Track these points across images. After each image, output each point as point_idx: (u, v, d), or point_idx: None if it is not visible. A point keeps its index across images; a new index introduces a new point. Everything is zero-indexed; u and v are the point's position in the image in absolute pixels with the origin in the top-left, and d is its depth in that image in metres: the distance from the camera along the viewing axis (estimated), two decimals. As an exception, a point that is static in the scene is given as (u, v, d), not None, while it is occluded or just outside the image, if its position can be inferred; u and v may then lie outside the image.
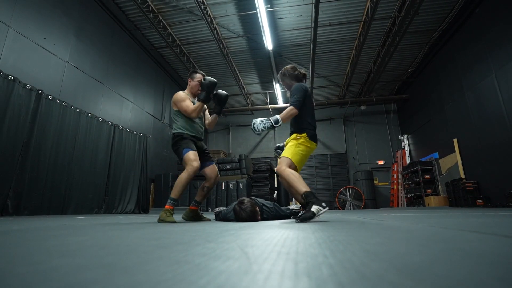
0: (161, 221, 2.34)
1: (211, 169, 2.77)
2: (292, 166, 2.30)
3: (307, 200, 2.05)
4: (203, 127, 2.87)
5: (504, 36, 6.12)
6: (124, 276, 0.42)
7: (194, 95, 2.80)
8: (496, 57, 6.41)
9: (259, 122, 2.29)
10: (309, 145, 2.38)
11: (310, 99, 2.50)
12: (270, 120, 2.30)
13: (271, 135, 13.56)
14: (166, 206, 2.44)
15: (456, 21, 7.68)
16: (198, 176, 2.93)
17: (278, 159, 2.55)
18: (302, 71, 2.67)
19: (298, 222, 1.97)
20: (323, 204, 2.00)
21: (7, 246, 0.82)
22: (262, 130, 2.29)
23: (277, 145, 2.84)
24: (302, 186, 2.11)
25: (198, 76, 2.77)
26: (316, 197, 2.07)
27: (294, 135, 2.42)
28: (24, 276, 0.42)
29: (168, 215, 2.37)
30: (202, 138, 2.83)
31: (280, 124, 2.30)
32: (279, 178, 2.47)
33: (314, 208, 1.96)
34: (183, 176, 2.48)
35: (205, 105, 2.81)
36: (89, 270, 0.46)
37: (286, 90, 2.80)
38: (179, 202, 2.64)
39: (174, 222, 2.31)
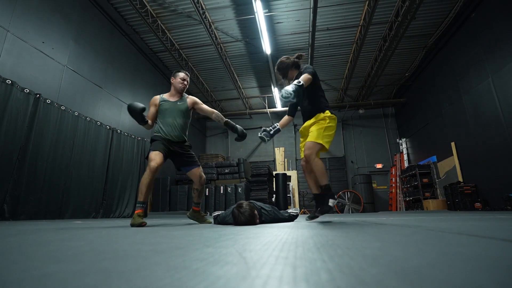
0: (132, 225, 2.37)
1: (194, 173, 2.90)
2: (320, 149, 2.36)
3: (325, 192, 2.31)
4: (182, 132, 2.88)
5: (500, 40, 6.19)
6: (121, 281, 0.42)
7: (177, 91, 2.91)
8: (492, 61, 6.47)
9: (289, 88, 2.03)
10: (333, 124, 2.41)
11: (319, 80, 2.55)
12: (296, 85, 2.06)
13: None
14: (136, 211, 2.47)
15: (452, 26, 7.76)
16: (191, 180, 3.10)
17: (264, 142, 2.65)
18: (294, 56, 2.64)
19: (315, 216, 2.39)
20: (335, 196, 2.33)
21: (3, 251, 0.81)
22: (293, 92, 2.03)
23: (264, 128, 2.75)
24: (325, 179, 2.32)
25: (180, 74, 2.91)
26: (332, 191, 2.34)
27: (318, 115, 2.41)
28: (20, 282, 0.42)
29: (139, 219, 2.41)
30: (182, 141, 2.87)
31: (302, 85, 2.10)
32: (302, 162, 2.49)
33: (331, 202, 2.26)
34: (145, 177, 2.57)
35: (197, 100, 3.01)
36: (85, 276, 0.45)
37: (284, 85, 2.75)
38: (146, 204, 2.69)
39: (143, 222, 2.36)
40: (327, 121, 2.38)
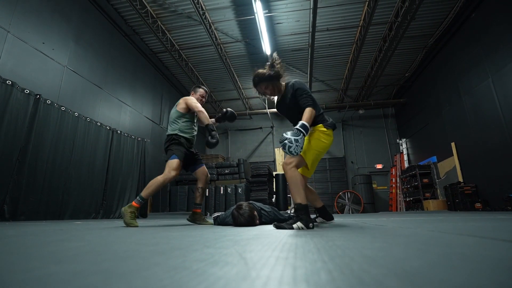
0: (125, 222, 2.39)
1: (201, 171, 3.04)
2: (302, 163, 2.10)
3: (296, 213, 1.89)
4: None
5: (500, 40, 6.19)
6: (121, 282, 0.42)
7: None
8: (492, 61, 6.47)
9: (292, 142, 1.90)
10: (324, 140, 2.14)
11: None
12: (301, 131, 1.95)
13: (269, 140, 13.58)
14: (133, 203, 2.48)
15: (452, 26, 7.77)
16: (192, 180, 3.19)
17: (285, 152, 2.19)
18: (268, 65, 2.33)
19: (274, 227, 1.90)
20: (310, 225, 1.81)
21: (3, 252, 0.81)
22: (297, 145, 1.91)
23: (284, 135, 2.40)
24: (297, 196, 1.92)
25: (201, 90, 3.17)
26: (308, 215, 1.88)
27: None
28: (20, 283, 0.42)
29: (132, 217, 2.42)
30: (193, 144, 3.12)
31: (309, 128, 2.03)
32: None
33: (296, 225, 1.80)
34: (160, 179, 2.61)
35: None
36: (86, 277, 0.45)
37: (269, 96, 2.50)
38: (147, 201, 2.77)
39: (137, 227, 2.36)
40: (316, 134, 2.18)
